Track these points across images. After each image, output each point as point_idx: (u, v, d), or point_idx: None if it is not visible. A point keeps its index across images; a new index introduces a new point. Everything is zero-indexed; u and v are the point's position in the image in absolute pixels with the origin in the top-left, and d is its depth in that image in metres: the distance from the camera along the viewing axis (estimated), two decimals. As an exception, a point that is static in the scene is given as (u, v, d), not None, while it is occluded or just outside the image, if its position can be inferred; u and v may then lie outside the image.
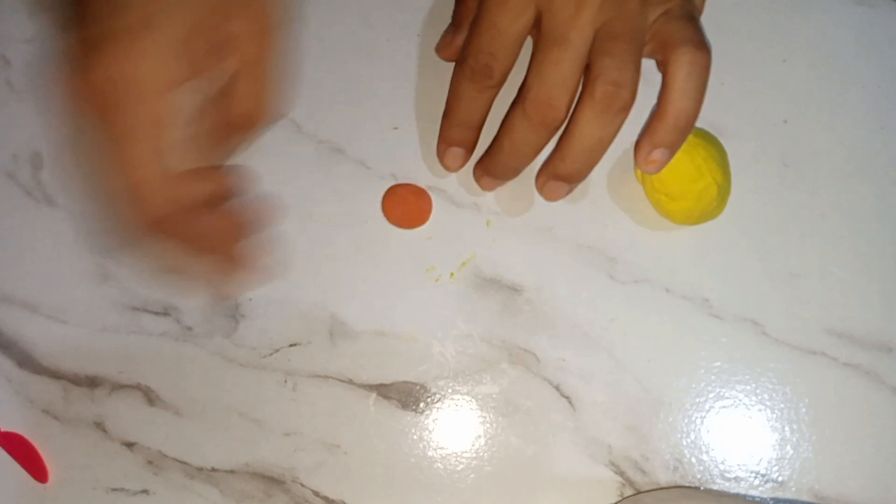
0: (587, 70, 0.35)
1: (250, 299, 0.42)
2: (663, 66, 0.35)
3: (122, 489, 0.41)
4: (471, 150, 0.40)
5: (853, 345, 0.41)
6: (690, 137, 0.39)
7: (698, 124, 0.41)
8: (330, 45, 0.42)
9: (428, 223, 0.42)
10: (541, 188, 0.39)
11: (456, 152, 0.40)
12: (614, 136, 0.35)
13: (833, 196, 0.42)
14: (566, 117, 0.35)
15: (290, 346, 0.41)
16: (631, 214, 0.42)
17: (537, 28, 0.35)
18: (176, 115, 0.32)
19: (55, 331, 0.42)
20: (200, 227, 0.34)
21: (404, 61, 0.42)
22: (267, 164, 0.42)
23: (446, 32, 0.40)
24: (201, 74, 0.33)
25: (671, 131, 0.35)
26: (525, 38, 0.36)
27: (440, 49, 0.41)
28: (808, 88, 0.42)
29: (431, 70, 0.41)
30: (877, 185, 0.42)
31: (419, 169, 0.42)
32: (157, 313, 0.42)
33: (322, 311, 0.41)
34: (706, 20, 0.42)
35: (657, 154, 0.36)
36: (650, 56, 0.37)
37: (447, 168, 0.40)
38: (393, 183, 0.41)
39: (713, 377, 0.41)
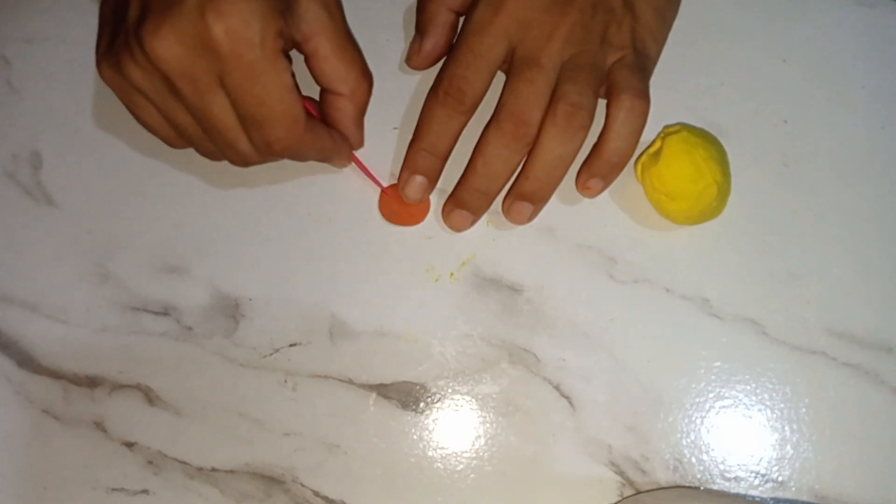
0: (552, 95, 0.38)
1: (250, 299, 0.42)
2: (607, 108, 0.39)
3: (122, 489, 0.41)
4: (434, 181, 0.40)
5: (853, 345, 0.41)
6: (690, 137, 0.39)
7: (698, 123, 0.41)
8: (330, 45, 0.42)
9: (429, 223, 0.42)
10: (507, 210, 0.40)
11: (419, 181, 0.40)
12: (574, 154, 0.38)
13: (833, 196, 0.42)
14: (535, 134, 0.38)
15: (290, 346, 0.41)
16: (631, 214, 0.42)
17: (508, 63, 0.39)
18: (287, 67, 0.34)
19: (55, 331, 0.42)
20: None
21: (404, 61, 0.42)
22: (265, 164, 0.42)
23: (413, 41, 0.41)
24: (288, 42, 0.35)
25: (605, 165, 0.39)
26: (498, 67, 0.39)
27: (409, 58, 0.41)
28: (808, 88, 0.42)
29: (431, 70, 0.41)
30: (877, 185, 0.42)
31: (419, 169, 0.42)
32: (157, 313, 0.42)
33: (322, 311, 0.41)
34: (705, 21, 0.42)
35: (592, 182, 0.39)
36: (602, 96, 0.39)
37: (407, 198, 0.40)
38: (393, 182, 0.41)
39: (713, 377, 0.41)
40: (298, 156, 0.37)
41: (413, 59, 0.41)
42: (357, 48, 0.37)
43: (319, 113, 0.39)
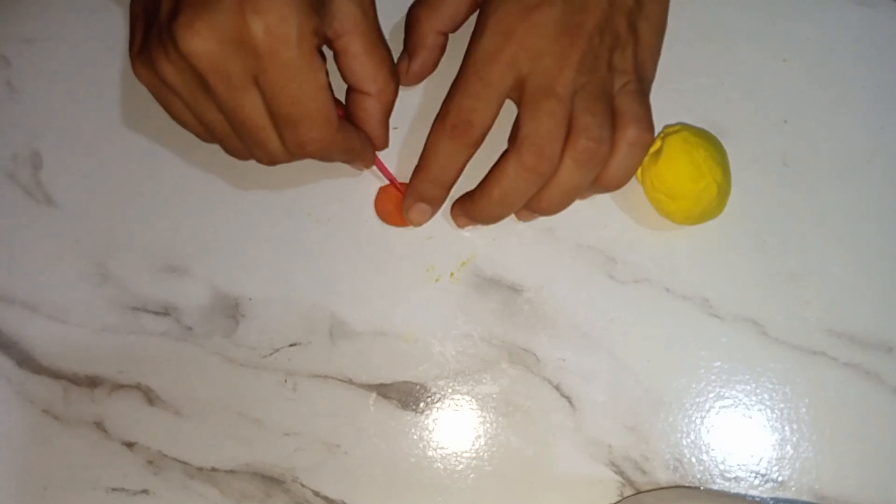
0: (570, 126, 0.37)
1: (250, 299, 0.42)
2: (612, 136, 0.38)
3: (122, 489, 0.41)
4: (438, 207, 0.41)
5: (853, 345, 0.41)
6: (691, 137, 0.39)
7: (698, 123, 0.41)
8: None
9: (429, 223, 0.42)
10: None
11: (423, 208, 0.40)
12: (588, 184, 0.38)
13: (833, 196, 0.42)
14: (556, 168, 0.37)
15: (290, 346, 0.41)
16: (631, 214, 0.42)
17: (518, 91, 0.37)
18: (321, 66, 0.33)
19: (55, 331, 0.42)
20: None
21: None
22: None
23: (401, 60, 0.41)
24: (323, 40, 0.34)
25: (601, 189, 0.39)
26: (506, 97, 0.38)
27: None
28: (808, 88, 0.42)
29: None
30: (877, 185, 0.42)
31: (419, 169, 0.42)
32: (157, 313, 0.42)
33: (322, 311, 0.41)
34: (705, 21, 0.42)
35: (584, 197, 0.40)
36: None
37: (411, 222, 0.41)
38: (387, 184, 0.41)
39: (713, 377, 0.41)
40: (327, 156, 0.37)
41: (401, 78, 0.41)
42: (387, 48, 0.37)
43: (344, 113, 0.39)
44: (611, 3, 0.37)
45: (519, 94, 0.37)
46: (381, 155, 0.41)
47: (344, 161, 0.38)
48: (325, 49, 0.36)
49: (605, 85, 0.37)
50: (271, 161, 0.36)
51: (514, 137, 0.37)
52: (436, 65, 0.41)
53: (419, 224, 0.41)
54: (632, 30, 0.38)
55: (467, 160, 0.39)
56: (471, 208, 0.40)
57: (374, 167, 0.41)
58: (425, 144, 0.39)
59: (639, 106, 0.38)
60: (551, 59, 0.36)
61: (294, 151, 0.35)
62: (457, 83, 0.38)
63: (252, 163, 0.41)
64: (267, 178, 0.42)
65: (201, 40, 0.31)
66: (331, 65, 0.37)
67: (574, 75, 0.36)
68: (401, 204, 0.41)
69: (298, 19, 0.32)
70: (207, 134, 0.36)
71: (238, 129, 0.35)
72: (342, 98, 0.39)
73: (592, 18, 0.36)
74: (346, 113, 0.39)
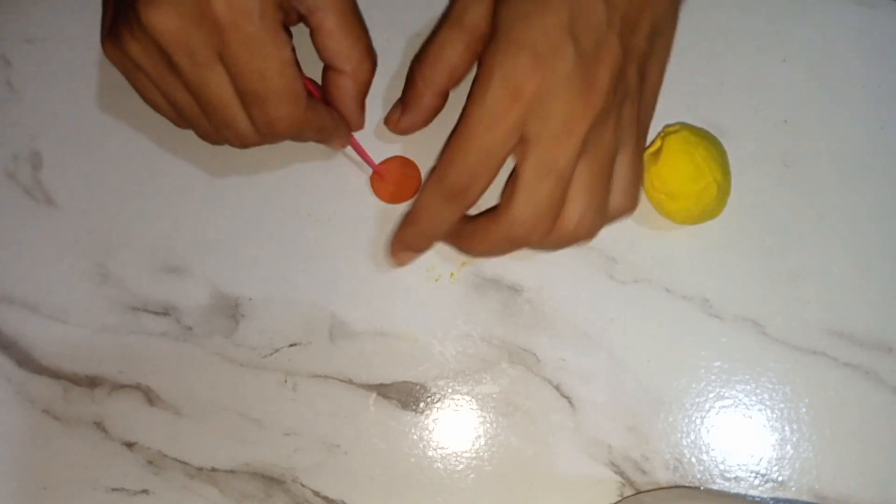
0: (566, 200, 0.35)
1: (250, 299, 0.42)
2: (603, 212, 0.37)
3: (122, 489, 0.41)
4: (423, 253, 0.39)
5: (853, 345, 0.41)
6: (690, 137, 0.39)
7: (698, 123, 0.41)
8: (330, 45, 0.42)
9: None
10: None
11: (409, 255, 0.39)
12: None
13: (833, 196, 0.42)
14: None
15: (290, 346, 0.41)
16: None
17: (521, 148, 0.34)
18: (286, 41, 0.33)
19: (55, 331, 0.42)
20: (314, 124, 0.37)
21: (404, 62, 0.42)
22: (266, 163, 0.42)
23: (395, 108, 0.40)
24: (290, 16, 0.35)
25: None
26: (507, 156, 0.35)
27: (386, 122, 0.40)
28: (808, 88, 0.42)
29: (431, 70, 0.41)
30: (877, 185, 0.42)
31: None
32: (157, 313, 0.42)
33: (322, 311, 0.41)
34: (705, 21, 0.42)
35: None
36: None
37: (397, 265, 0.40)
38: (382, 161, 0.41)
39: (713, 377, 0.41)
40: (298, 135, 0.36)
41: (389, 125, 0.40)
42: (363, 26, 0.37)
43: (319, 93, 0.39)
44: (625, 51, 0.34)
45: (522, 152, 0.34)
46: (384, 151, 0.41)
47: (317, 140, 0.38)
48: (302, 28, 0.36)
49: (609, 150, 0.35)
50: (242, 143, 0.36)
51: (507, 203, 0.34)
52: (427, 123, 0.40)
53: (399, 267, 0.40)
54: (640, 77, 0.35)
55: (459, 218, 0.36)
56: (454, 245, 0.38)
57: (367, 164, 0.41)
58: (418, 198, 0.36)
59: (631, 172, 0.36)
60: (560, 122, 0.33)
61: (264, 131, 0.35)
62: (457, 142, 0.34)
63: (252, 162, 0.42)
64: (268, 178, 0.42)
65: (163, 16, 0.32)
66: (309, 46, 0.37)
67: (581, 145, 0.33)
68: (397, 178, 0.41)
69: None
70: (178, 117, 0.36)
71: (206, 109, 0.34)
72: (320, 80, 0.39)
73: (607, 72, 0.33)
74: (322, 93, 0.39)
